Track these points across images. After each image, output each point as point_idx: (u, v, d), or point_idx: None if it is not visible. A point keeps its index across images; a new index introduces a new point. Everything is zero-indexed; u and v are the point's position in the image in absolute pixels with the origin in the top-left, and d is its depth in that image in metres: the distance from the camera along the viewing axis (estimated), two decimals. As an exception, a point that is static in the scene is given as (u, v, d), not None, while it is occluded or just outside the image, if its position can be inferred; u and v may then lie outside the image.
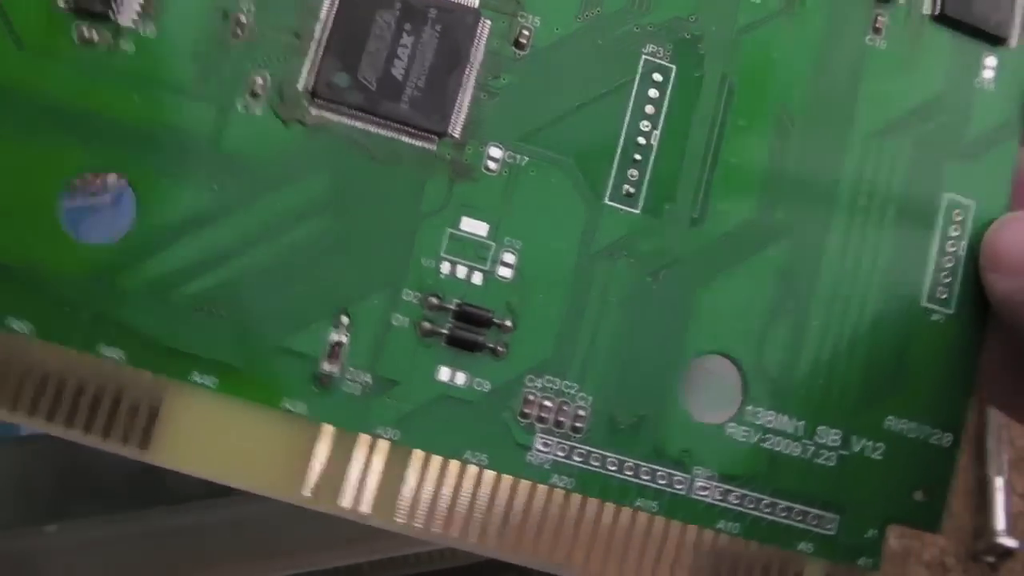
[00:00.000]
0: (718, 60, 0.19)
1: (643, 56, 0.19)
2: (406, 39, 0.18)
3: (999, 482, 0.34)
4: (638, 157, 0.19)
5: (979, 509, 0.34)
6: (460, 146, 0.18)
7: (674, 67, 0.19)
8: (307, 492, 0.18)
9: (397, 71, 0.18)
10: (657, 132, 0.19)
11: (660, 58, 0.19)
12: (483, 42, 0.19)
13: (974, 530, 0.34)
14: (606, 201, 0.19)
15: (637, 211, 0.19)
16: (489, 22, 0.19)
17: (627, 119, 0.19)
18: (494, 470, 0.18)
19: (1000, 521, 0.33)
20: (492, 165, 0.18)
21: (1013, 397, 0.21)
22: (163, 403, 0.18)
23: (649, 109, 0.19)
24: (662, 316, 0.19)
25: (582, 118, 0.19)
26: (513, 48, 0.19)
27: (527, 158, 0.19)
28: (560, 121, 0.19)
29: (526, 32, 0.19)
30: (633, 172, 0.19)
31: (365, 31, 0.18)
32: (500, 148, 0.18)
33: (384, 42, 0.18)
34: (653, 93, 0.19)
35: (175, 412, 0.18)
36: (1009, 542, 0.33)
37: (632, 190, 0.19)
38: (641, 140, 0.19)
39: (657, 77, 0.19)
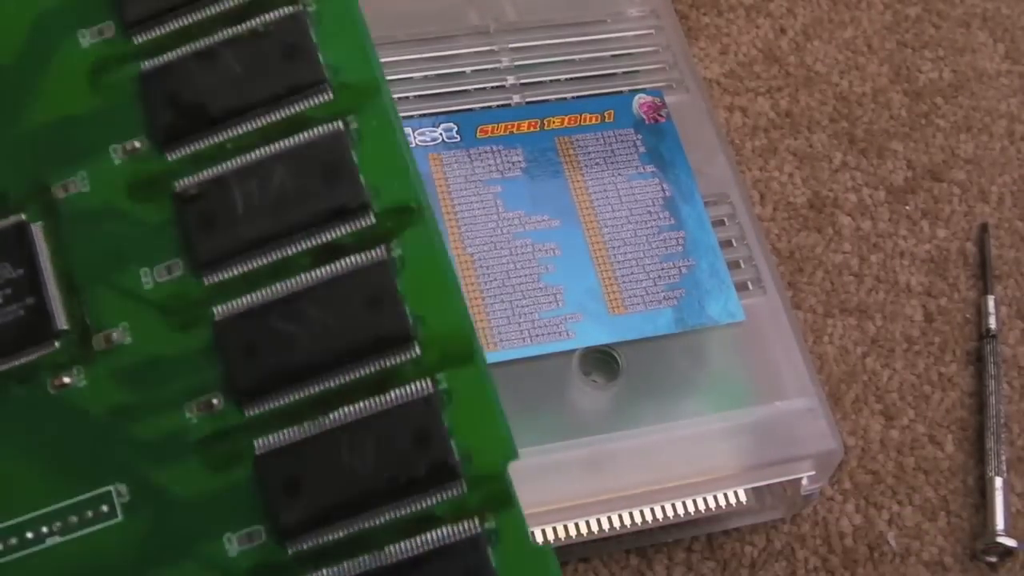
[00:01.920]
0: None
1: None
2: None
3: (999, 482, 0.34)
4: None
5: (979, 509, 0.34)
6: None
7: None
8: None
9: None
10: None
11: None
12: None
13: (974, 530, 0.33)
14: None
15: None
16: None
17: None
18: None
19: (1000, 521, 0.33)
20: None
21: None
22: None
23: None
24: None
25: None
26: None
27: None
28: None
29: None
30: None
31: None
32: None
33: None
34: None
35: None
36: (1009, 542, 0.33)
37: None
38: None
39: None
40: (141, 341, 0.22)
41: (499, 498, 0.21)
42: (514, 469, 0.23)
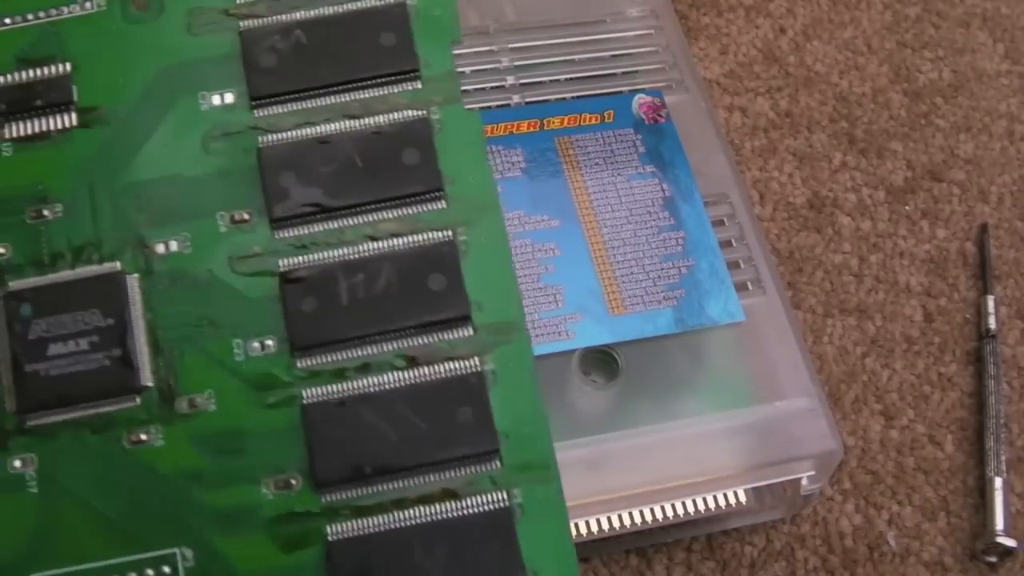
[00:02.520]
0: None
1: None
2: None
3: (998, 482, 0.34)
4: None
5: (978, 509, 0.34)
6: None
7: None
8: None
9: None
10: None
11: None
12: None
13: (973, 530, 0.33)
14: None
15: None
16: None
17: None
18: None
19: (1000, 521, 0.33)
20: None
21: None
22: None
23: None
24: None
25: None
26: None
27: None
28: None
29: None
30: None
31: None
32: None
33: None
34: None
35: None
36: (1009, 542, 0.33)
37: None
38: None
39: None
40: (225, 410, 0.22)
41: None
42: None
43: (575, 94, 0.36)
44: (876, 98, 0.42)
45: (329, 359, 0.23)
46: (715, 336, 0.32)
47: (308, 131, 0.24)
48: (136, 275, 0.23)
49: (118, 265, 0.23)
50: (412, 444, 0.22)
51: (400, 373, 0.22)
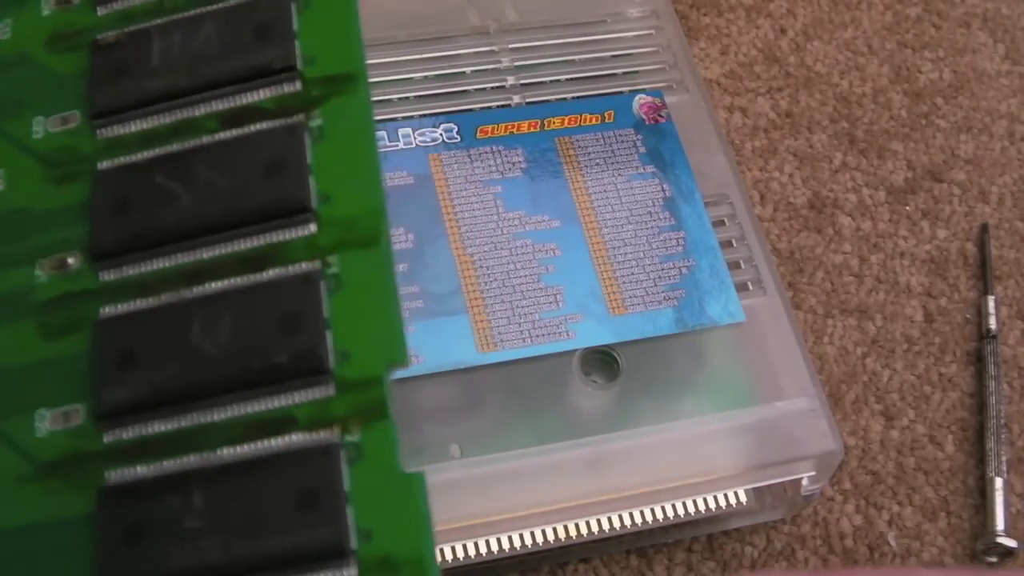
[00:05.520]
0: None
1: None
2: None
3: (999, 482, 0.34)
4: None
5: (979, 509, 0.34)
6: None
7: None
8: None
9: None
10: None
11: None
12: None
13: (974, 530, 0.33)
14: None
15: None
16: None
17: None
18: None
19: (1000, 521, 0.33)
20: None
21: None
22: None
23: None
24: None
25: None
26: None
27: None
28: None
29: None
30: None
31: None
32: None
33: None
34: None
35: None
36: (1009, 542, 0.33)
37: None
38: None
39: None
40: (13, 190, 0.20)
41: (372, 408, 0.17)
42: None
43: (575, 94, 0.36)
44: (877, 98, 0.42)
45: (132, 127, 0.20)
46: (715, 336, 0.32)
47: None
48: None
49: None
50: (208, 206, 0.18)
51: (209, 137, 0.20)
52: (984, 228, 0.39)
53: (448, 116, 0.34)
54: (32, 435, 0.18)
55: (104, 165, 0.20)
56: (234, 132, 0.19)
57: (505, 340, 0.31)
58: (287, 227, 0.18)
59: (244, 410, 0.17)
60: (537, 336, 0.31)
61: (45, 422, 0.18)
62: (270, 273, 0.18)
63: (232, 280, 0.18)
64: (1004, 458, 0.34)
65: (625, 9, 0.38)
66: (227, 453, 0.17)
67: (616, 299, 0.32)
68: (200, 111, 0.20)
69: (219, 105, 0.20)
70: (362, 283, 0.18)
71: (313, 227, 0.18)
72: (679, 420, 0.30)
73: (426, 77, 0.35)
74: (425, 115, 0.34)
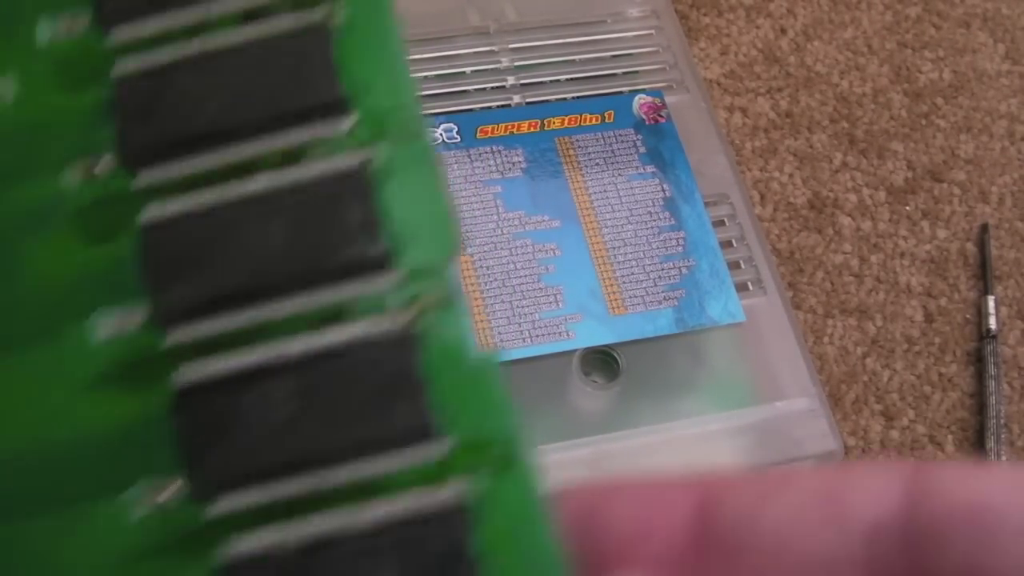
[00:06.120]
0: None
1: None
2: None
3: (999, 482, 0.34)
4: None
5: (979, 509, 0.34)
6: None
7: None
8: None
9: None
10: None
11: None
12: None
13: (974, 530, 0.33)
14: None
15: None
16: None
17: None
18: None
19: (1000, 521, 0.33)
20: None
21: None
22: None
23: None
24: None
25: None
26: None
27: None
28: None
29: None
30: None
31: None
32: None
33: None
34: None
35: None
36: (1009, 542, 0.32)
37: None
38: None
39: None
40: (27, 97, 0.19)
41: (439, 294, 0.18)
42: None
43: (575, 94, 0.36)
44: (877, 98, 0.42)
45: (147, 28, 0.20)
46: (715, 336, 0.32)
47: None
48: None
49: None
50: (243, 106, 0.18)
51: (231, 34, 0.19)
52: (984, 228, 0.39)
53: (448, 116, 0.34)
54: (89, 342, 0.18)
55: (122, 68, 0.19)
56: (256, 29, 0.19)
57: (505, 340, 0.31)
58: (326, 124, 0.18)
59: (307, 305, 0.17)
60: (537, 336, 0.31)
61: (103, 327, 0.18)
62: (314, 167, 0.18)
63: (274, 176, 0.18)
64: (1004, 458, 0.34)
65: (625, 9, 0.38)
66: (296, 346, 0.17)
67: (616, 299, 0.32)
68: (215, 9, 0.19)
69: (234, 5, 0.19)
70: (410, 171, 0.18)
71: (350, 121, 0.18)
72: (679, 420, 0.30)
73: (426, 77, 0.35)
74: (425, 115, 0.34)
